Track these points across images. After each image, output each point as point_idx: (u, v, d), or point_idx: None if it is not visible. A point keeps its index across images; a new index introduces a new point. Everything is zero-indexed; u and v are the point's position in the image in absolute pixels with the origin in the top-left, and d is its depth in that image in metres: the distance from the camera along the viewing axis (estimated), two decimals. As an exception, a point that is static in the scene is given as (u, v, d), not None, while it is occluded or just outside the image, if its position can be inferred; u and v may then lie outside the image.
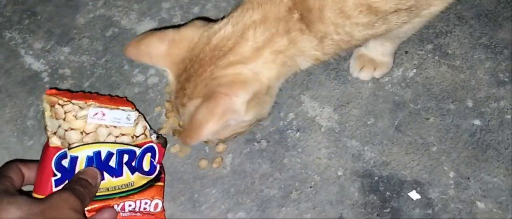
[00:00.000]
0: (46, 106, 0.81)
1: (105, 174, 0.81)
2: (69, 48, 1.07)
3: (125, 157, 0.84)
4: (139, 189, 0.83)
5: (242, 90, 0.74)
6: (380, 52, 0.96)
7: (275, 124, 0.97)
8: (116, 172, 0.82)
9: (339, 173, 0.92)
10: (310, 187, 0.91)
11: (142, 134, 0.86)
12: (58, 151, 0.79)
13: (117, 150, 0.83)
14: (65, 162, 0.79)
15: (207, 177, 0.94)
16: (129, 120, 0.85)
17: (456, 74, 0.99)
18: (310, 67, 0.81)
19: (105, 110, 0.84)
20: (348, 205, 0.90)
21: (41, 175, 0.77)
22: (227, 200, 0.92)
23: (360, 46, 0.90)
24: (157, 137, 0.88)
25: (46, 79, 1.04)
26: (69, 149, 0.80)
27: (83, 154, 0.81)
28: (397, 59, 1.00)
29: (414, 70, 1.00)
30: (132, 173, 0.83)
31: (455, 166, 0.91)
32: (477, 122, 0.95)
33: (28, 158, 0.94)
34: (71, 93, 0.85)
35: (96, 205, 0.79)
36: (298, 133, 0.96)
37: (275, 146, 0.95)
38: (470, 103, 0.96)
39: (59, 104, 0.81)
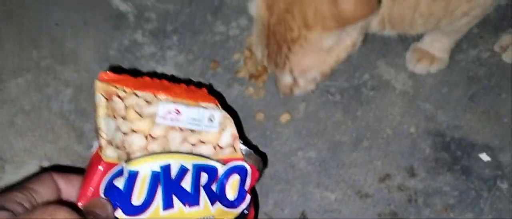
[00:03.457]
0: (101, 100, 0.56)
1: (175, 200, 0.57)
2: (157, -5, 1.12)
3: (203, 177, 0.59)
4: None
5: None
6: (437, 48, 0.96)
7: (349, 82, 1.00)
8: (191, 199, 0.58)
9: (412, 130, 0.94)
10: (382, 138, 0.93)
11: (230, 146, 0.63)
12: (111, 167, 0.55)
13: (193, 164, 0.59)
14: (120, 182, 0.55)
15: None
16: (212, 122, 0.61)
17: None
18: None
19: (180, 107, 0.60)
20: (419, 158, 0.91)
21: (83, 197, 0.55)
22: (298, 140, 0.93)
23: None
24: (251, 153, 0.65)
25: (132, 19, 1.08)
26: (127, 161, 0.56)
27: (146, 169, 0.56)
28: (473, 41, 1.03)
29: (488, 53, 1.02)
30: (212, 203, 0.59)
31: (526, 138, 0.93)
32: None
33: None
34: (134, 79, 0.59)
35: None
36: (372, 91, 0.98)
37: (349, 100, 0.98)
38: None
39: (118, 96, 0.57)
